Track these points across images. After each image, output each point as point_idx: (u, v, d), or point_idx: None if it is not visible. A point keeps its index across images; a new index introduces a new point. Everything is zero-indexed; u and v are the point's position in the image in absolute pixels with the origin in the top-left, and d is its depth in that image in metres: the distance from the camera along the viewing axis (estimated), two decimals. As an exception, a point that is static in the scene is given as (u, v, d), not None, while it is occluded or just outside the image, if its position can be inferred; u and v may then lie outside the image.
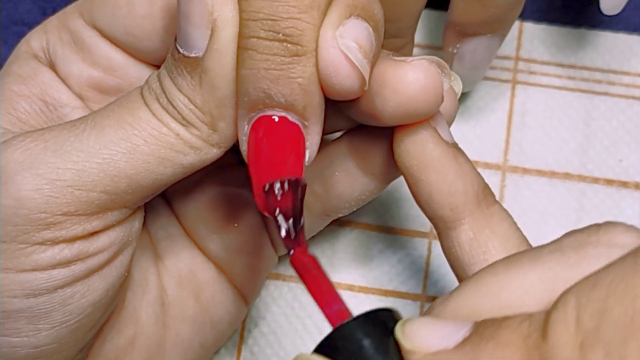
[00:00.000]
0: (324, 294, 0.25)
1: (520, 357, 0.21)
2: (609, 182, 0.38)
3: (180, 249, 0.33)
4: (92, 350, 0.30)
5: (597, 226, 0.23)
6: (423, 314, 0.25)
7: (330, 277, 0.25)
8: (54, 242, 0.26)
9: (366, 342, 0.23)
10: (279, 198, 0.26)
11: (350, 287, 0.38)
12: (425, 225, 0.38)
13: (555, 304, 0.21)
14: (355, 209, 0.33)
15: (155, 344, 0.31)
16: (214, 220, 0.33)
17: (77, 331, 0.27)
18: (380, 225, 0.38)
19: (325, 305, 0.24)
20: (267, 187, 0.26)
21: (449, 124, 0.29)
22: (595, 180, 0.38)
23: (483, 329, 0.22)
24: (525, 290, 0.23)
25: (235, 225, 0.33)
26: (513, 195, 0.38)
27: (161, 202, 0.33)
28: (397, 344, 0.23)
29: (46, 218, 0.26)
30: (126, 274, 0.29)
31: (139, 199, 0.27)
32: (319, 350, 0.23)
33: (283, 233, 0.26)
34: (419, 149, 0.28)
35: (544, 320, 0.21)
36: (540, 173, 0.39)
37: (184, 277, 0.32)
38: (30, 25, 0.31)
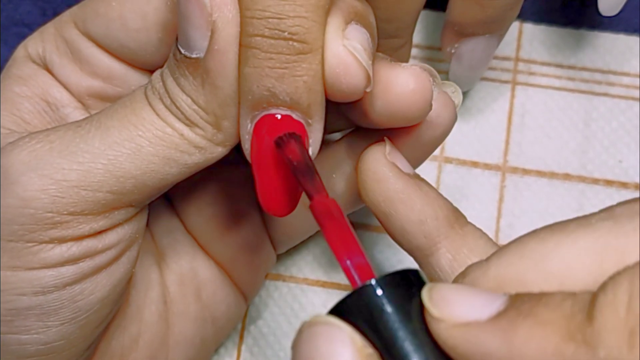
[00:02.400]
0: (343, 244, 0.23)
1: (560, 339, 0.19)
2: (609, 182, 0.38)
3: (182, 247, 0.33)
4: (98, 348, 0.30)
5: None
6: (455, 279, 0.23)
7: (352, 226, 0.24)
8: (62, 240, 0.26)
9: (388, 308, 0.21)
10: (287, 150, 0.26)
11: (351, 288, 0.38)
12: (425, 225, 0.38)
13: (604, 286, 0.19)
14: (353, 211, 0.33)
15: (159, 342, 0.31)
16: (215, 218, 0.33)
17: (86, 327, 0.28)
18: (380, 225, 0.38)
19: (342, 256, 0.23)
20: (276, 143, 0.25)
21: (447, 134, 0.29)
22: (595, 181, 0.38)
23: (520, 303, 0.20)
24: (573, 260, 0.21)
25: (236, 223, 0.33)
26: (513, 196, 0.38)
27: (163, 201, 0.33)
28: (422, 308, 0.21)
29: (52, 217, 0.26)
30: (133, 270, 0.29)
31: (145, 198, 0.27)
32: (336, 311, 0.22)
33: (301, 180, 0.25)
34: (382, 186, 0.28)
35: (590, 301, 0.19)
36: (540, 174, 0.39)
37: (185, 274, 0.33)
38: (31, 26, 0.32)
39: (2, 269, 0.26)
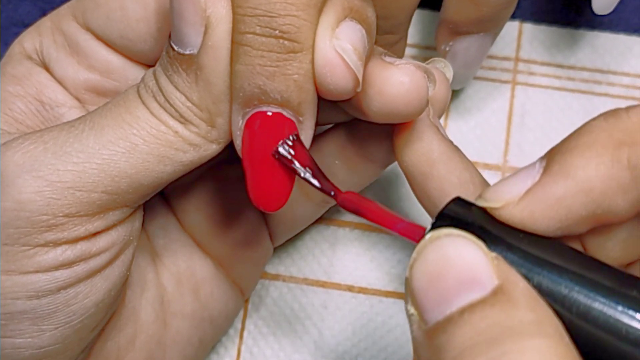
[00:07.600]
0: (385, 218, 0.26)
1: (613, 147, 0.22)
2: (609, 182, 0.38)
3: (178, 246, 0.33)
4: (93, 349, 0.30)
5: None
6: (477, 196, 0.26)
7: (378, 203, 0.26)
8: (57, 243, 0.26)
9: (471, 219, 0.24)
10: (292, 156, 0.26)
11: (350, 288, 0.38)
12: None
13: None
14: None
15: (156, 342, 0.31)
16: (214, 216, 0.33)
17: (81, 331, 0.28)
18: (379, 227, 0.38)
19: (394, 225, 0.26)
20: (275, 155, 0.26)
21: (442, 109, 0.30)
22: (595, 181, 0.38)
23: (558, 149, 0.23)
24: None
25: (235, 220, 0.33)
26: (513, 196, 0.38)
27: (158, 200, 0.33)
28: (485, 215, 0.24)
29: (48, 220, 0.26)
30: (128, 273, 0.29)
31: (139, 198, 0.27)
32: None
33: (317, 184, 0.27)
34: (426, 146, 0.28)
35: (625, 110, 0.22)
36: (540, 174, 0.38)
37: (182, 274, 0.33)
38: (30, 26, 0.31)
39: None
